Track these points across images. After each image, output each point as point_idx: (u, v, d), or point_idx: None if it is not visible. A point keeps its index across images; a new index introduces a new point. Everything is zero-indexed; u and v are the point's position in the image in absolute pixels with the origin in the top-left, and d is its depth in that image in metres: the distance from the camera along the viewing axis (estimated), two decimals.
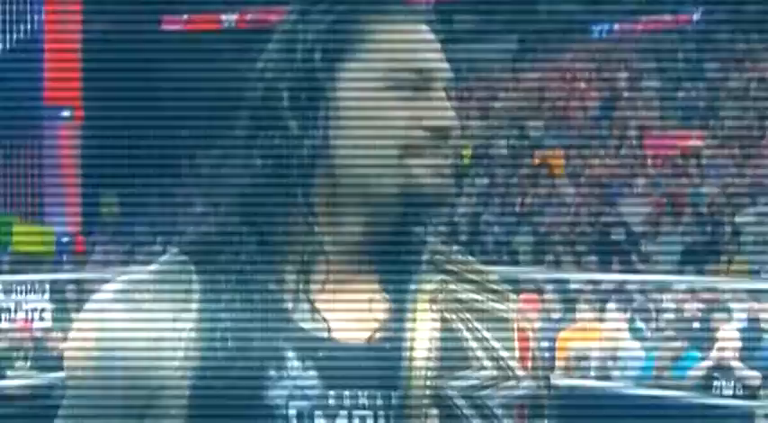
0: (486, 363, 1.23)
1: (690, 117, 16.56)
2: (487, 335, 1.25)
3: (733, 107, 16.22)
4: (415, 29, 1.25)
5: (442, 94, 1.24)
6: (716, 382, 6.71)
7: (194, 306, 1.19)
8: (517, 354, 1.26)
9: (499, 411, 1.21)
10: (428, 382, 1.19)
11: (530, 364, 1.26)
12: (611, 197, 14.46)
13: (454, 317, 1.24)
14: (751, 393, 6.47)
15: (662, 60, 18.93)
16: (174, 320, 1.18)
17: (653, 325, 8.08)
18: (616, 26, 21.05)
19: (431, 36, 1.26)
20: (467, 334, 1.24)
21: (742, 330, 7.25)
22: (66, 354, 1.24)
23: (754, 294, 7.88)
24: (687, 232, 12.49)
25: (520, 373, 1.24)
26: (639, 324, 8.17)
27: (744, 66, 17.50)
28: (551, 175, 15.54)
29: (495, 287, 1.30)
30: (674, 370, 7.00)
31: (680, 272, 11.04)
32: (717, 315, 7.48)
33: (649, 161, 15.27)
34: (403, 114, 1.21)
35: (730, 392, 6.61)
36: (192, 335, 1.17)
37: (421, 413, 1.18)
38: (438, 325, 1.23)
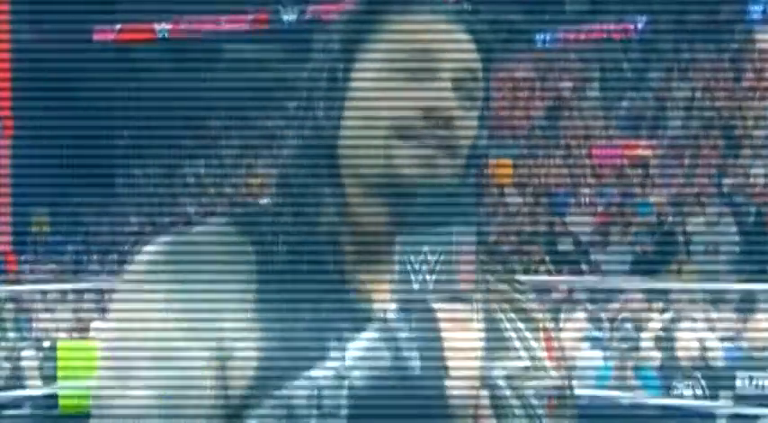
0: (522, 353, 1.29)
1: (636, 126, 16.86)
2: (521, 326, 1.32)
3: (679, 116, 16.54)
4: (431, 19, 1.27)
5: (447, 83, 1.24)
6: (676, 385, 6.86)
7: (253, 277, 1.21)
8: (543, 345, 1.32)
9: (534, 401, 1.26)
10: (476, 368, 1.22)
11: (554, 355, 1.32)
12: (559, 207, 14.67)
13: (495, 306, 1.31)
14: (712, 395, 6.62)
15: (607, 69, 19.25)
16: (234, 285, 1.20)
17: (608, 332, 8.21)
18: (560, 35, 21.34)
19: (450, 28, 1.27)
20: (506, 323, 1.31)
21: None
22: (114, 316, 1.22)
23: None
24: (636, 242, 12.70)
25: (548, 365, 1.30)
26: (595, 332, 8.30)
27: (689, 74, 17.87)
28: (499, 185, 15.72)
29: (515, 279, 1.38)
30: (638, 378, 7.14)
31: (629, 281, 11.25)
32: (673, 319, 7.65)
33: (597, 170, 15.52)
34: (396, 94, 1.23)
35: (690, 394, 6.76)
36: (252, 305, 1.20)
37: (471, 397, 1.21)
38: (481, 313, 1.28)
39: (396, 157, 1.22)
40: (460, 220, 1.16)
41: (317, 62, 1.29)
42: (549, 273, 11.91)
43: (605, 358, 7.71)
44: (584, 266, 12.40)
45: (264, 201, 1.33)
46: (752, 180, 13.49)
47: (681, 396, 6.74)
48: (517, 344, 1.29)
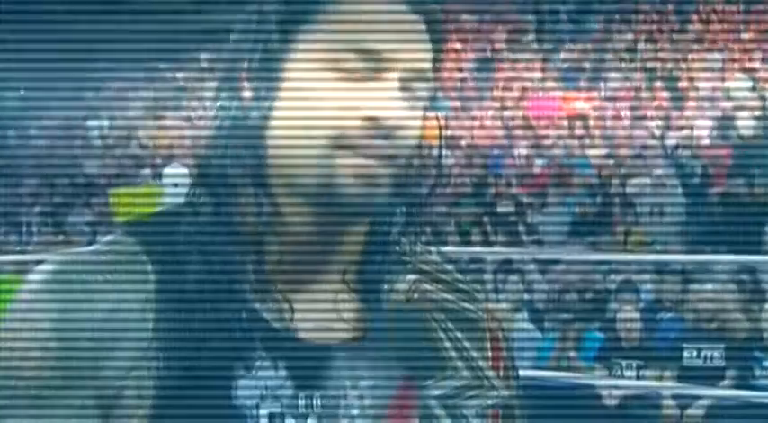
0: (462, 368, 1.27)
1: (575, 78, 16.94)
2: (461, 337, 1.29)
3: (620, 67, 16.66)
4: (380, 9, 1.19)
5: (395, 85, 1.18)
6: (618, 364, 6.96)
7: (149, 294, 1.18)
8: (490, 356, 1.30)
9: (474, 421, 1.25)
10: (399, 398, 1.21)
11: (501, 366, 1.31)
12: (492, 166, 14.69)
13: (429, 318, 1.28)
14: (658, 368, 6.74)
15: (543, 15, 19.31)
16: (125, 307, 1.16)
17: (549, 305, 8.29)
18: None
19: (403, 19, 1.20)
20: (442, 336, 1.28)
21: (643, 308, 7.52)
22: None
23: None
24: (577, 202, 12.78)
25: (494, 379, 1.29)
26: (535, 304, 8.37)
27: (631, 23, 17.98)
28: (427, 144, 15.68)
29: (463, 287, 1.35)
30: (580, 352, 7.24)
31: (566, 243, 11.36)
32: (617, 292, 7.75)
33: (533, 126, 15.57)
34: (339, 101, 1.17)
35: (633, 374, 6.87)
36: (149, 325, 1.16)
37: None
38: (414, 326, 1.26)
39: (333, 169, 1.16)
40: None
41: (248, 36, 1.21)
42: (485, 236, 11.95)
43: (544, 331, 7.80)
44: (521, 229, 12.44)
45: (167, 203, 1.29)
46: (696, 134, 13.63)
47: (623, 369, 6.87)
48: (455, 358, 1.27)
